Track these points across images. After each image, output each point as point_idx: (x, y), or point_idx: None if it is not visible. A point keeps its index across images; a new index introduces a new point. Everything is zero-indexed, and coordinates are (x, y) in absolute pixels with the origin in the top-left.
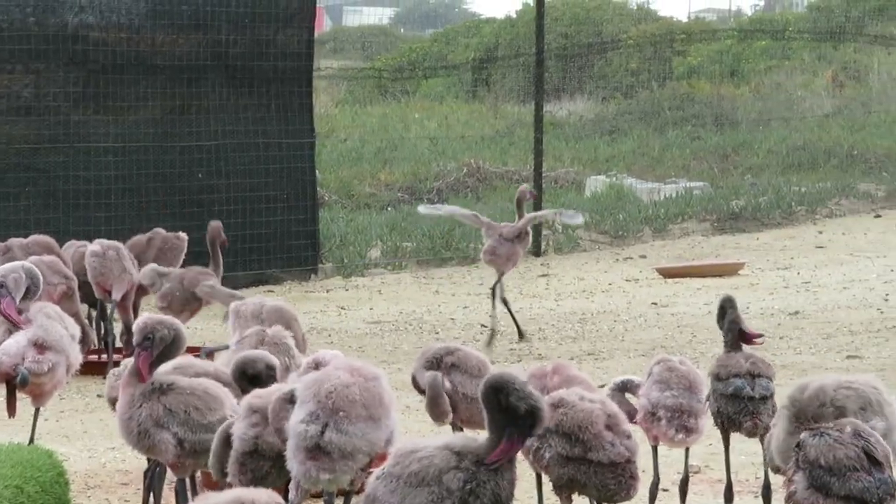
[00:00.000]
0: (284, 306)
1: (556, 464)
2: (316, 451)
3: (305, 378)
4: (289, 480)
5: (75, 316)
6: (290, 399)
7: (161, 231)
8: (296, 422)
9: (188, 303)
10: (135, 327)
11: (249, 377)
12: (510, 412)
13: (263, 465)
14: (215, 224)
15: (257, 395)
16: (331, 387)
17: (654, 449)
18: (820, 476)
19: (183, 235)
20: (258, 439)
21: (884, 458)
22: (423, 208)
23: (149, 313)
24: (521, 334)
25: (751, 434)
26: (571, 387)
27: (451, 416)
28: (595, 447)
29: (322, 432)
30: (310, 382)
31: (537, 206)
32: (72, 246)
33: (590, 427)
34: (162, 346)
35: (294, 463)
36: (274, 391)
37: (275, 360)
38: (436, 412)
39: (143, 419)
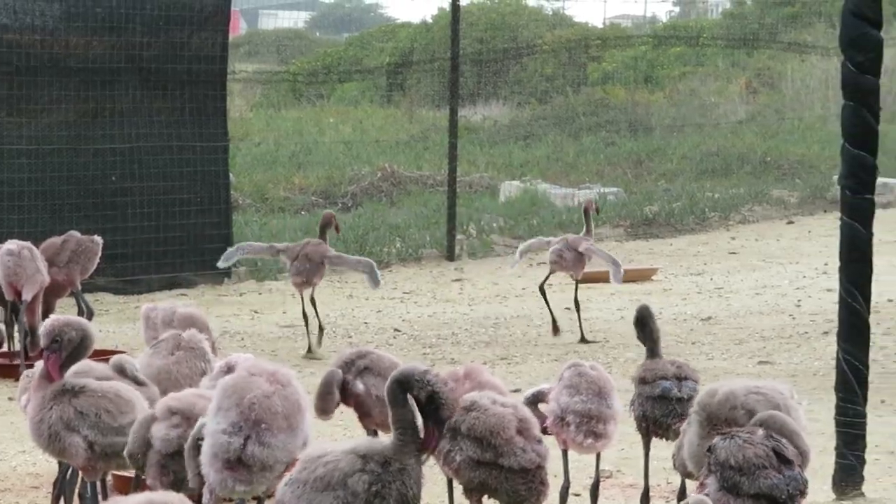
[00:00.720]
0: (196, 312)
1: (466, 468)
2: (236, 463)
3: (223, 383)
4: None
5: None
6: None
7: (75, 234)
8: (216, 430)
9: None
10: (42, 329)
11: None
12: (417, 404)
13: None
14: (328, 213)
15: (175, 398)
16: (253, 397)
17: (565, 453)
18: (730, 476)
19: (97, 239)
20: (181, 440)
21: (794, 456)
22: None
23: (56, 315)
24: (555, 328)
25: (678, 436)
26: (483, 391)
27: (331, 415)
28: (506, 453)
29: (244, 445)
30: (229, 389)
31: (451, 210)
32: None
33: (501, 432)
34: (70, 348)
35: (210, 470)
36: (191, 393)
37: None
38: (319, 405)
39: (54, 422)
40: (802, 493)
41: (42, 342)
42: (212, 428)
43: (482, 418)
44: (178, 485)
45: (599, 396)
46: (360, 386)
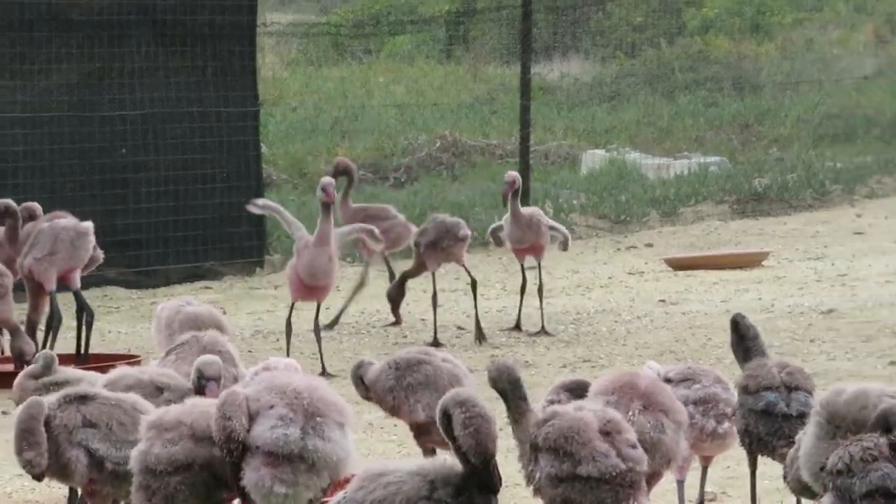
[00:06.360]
0: (203, 311)
1: (548, 485)
2: (281, 459)
3: (260, 379)
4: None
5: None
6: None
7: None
8: (264, 428)
9: None
10: None
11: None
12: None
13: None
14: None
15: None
16: (300, 387)
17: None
18: (841, 483)
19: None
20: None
21: None
22: None
23: None
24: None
25: (785, 459)
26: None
27: None
28: (585, 459)
29: (303, 438)
30: (269, 385)
31: (524, 186)
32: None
33: (577, 436)
34: None
35: (248, 471)
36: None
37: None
38: None
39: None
40: None
41: None
42: (259, 428)
43: (557, 424)
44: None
45: (719, 382)
46: (420, 413)
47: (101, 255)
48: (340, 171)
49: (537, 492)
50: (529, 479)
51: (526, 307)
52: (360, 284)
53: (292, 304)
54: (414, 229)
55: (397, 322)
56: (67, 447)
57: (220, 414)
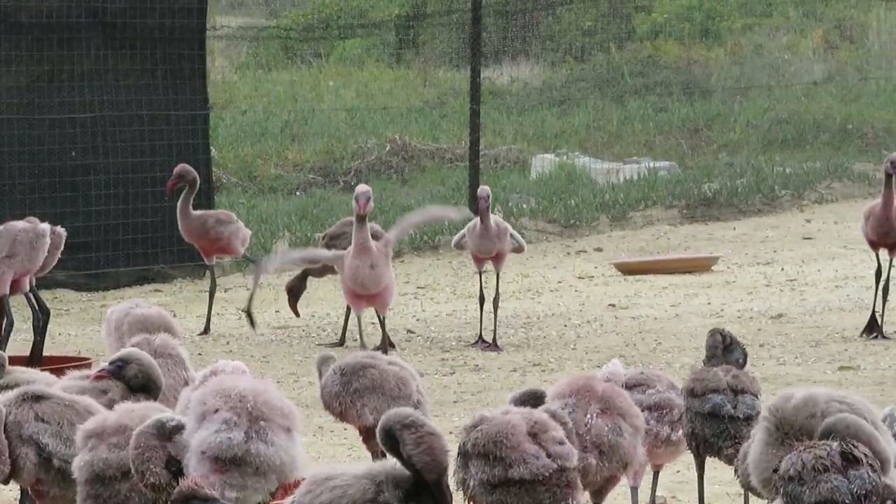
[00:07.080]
0: (152, 314)
1: (482, 493)
2: (228, 464)
3: (205, 387)
4: None
5: None
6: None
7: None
8: (209, 432)
9: None
10: None
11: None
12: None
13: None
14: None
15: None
16: (245, 391)
17: (655, 475)
18: (791, 490)
19: (60, 231)
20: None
21: (864, 454)
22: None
23: None
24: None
25: (731, 461)
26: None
27: None
28: (516, 462)
29: (246, 441)
30: (213, 391)
31: (474, 190)
32: None
33: (506, 440)
34: None
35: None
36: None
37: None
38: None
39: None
40: (873, 494)
41: None
42: (202, 434)
43: (485, 429)
44: None
45: (673, 388)
46: (368, 417)
47: (63, 232)
48: (184, 178)
49: (472, 499)
50: (461, 485)
51: (475, 311)
52: (213, 287)
53: (359, 316)
54: (249, 234)
55: (296, 315)
56: (18, 443)
57: (136, 469)
